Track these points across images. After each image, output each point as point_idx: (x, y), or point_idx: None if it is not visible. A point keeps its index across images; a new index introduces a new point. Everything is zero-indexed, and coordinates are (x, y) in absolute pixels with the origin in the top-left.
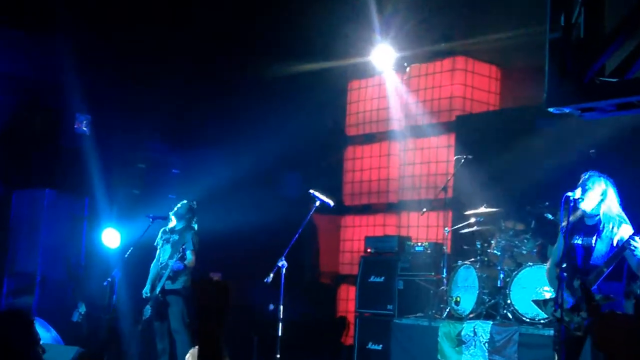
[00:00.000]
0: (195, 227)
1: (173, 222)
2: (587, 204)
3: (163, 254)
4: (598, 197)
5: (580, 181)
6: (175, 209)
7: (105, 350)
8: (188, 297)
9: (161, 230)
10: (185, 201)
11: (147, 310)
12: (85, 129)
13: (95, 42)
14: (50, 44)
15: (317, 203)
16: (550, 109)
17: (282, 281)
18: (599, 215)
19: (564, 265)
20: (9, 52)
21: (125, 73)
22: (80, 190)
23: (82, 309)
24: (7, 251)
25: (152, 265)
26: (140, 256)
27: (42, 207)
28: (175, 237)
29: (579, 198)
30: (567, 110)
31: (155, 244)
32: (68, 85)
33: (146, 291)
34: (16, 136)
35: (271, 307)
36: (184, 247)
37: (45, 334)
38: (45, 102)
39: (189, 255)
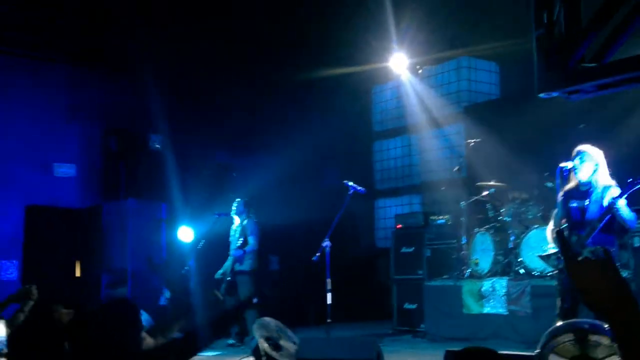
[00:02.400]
0: (254, 217)
1: (237, 220)
2: (583, 174)
3: (232, 245)
4: (592, 167)
5: (575, 153)
6: (234, 208)
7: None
8: (254, 276)
9: (232, 225)
10: (239, 199)
11: (222, 289)
12: (158, 146)
13: (166, 74)
14: (127, 79)
15: (351, 191)
16: (541, 95)
17: (328, 258)
18: (591, 182)
19: (564, 225)
20: (91, 87)
21: (190, 96)
22: (158, 197)
23: (167, 294)
24: (103, 252)
25: None
26: (210, 247)
27: (127, 214)
28: (239, 228)
29: (571, 168)
30: (555, 94)
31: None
32: (143, 110)
33: (217, 274)
34: (103, 158)
35: (315, 258)
36: (246, 235)
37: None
38: (125, 126)
39: (251, 240)
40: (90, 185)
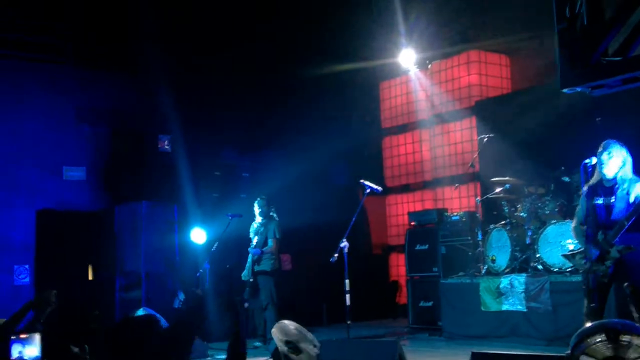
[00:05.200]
0: (276, 217)
1: (258, 219)
2: (610, 170)
3: (253, 242)
4: (619, 163)
5: (602, 148)
6: (257, 207)
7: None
8: (275, 276)
9: (252, 224)
10: (259, 198)
11: (246, 292)
12: (167, 147)
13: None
14: (135, 81)
15: (368, 190)
16: (564, 90)
17: (346, 258)
18: (616, 178)
19: (588, 224)
20: (100, 89)
21: (198, 97)
22: (169, 199)
23: (181, 296)
24: (116, 255)
25: None
26: (224, 249)
27: (140, 216)
28: (262, 229)
29: (595, 164)
30: (578, 90)
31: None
32: (151, 112)
33: (243, 275)
34: (113, 160)
35: (333, 259)
36: (267, 235)
37: None
38: (134, 128)
39: (270, 243)
40: (100, 188)
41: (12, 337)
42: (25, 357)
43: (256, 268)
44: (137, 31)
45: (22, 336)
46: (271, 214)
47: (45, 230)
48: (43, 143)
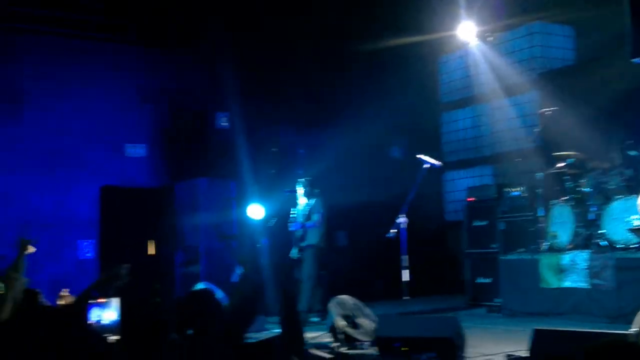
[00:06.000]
0: (320, 194)
1: (302, 200)
2: None
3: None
4: None
5: None
6: (300, 187)
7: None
8: (319, 251)
9: (297, 206)
10: (304, 179)
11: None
12: (225, 124)
13: (232, 53)
14: (194, 61)
15: (427, 165)
16: (635, 60)
17: (404, 235)
18: None
19: None
20: (160, 67)
21: (256, 74)
22: (228, 175)
23: (239, 270)
24: (176, 230)
25: None
26: (281, 225)
27: (199, 193)
28: (307, 208)
29: None
30: None
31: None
32: (210, 90)
33: (291, 253)
34: (173, 138)
35: (390, 234)
36: (311, 212)
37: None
38: (193, 105)
39: (315, 217)
40: (161, 164)
41: (91, 302)
42: (102, 320)
43: (302, 244)
44: (197, 10)
45: (101, 300)
46: (315, 193)
47: (108, 207)
48: (106, 121)
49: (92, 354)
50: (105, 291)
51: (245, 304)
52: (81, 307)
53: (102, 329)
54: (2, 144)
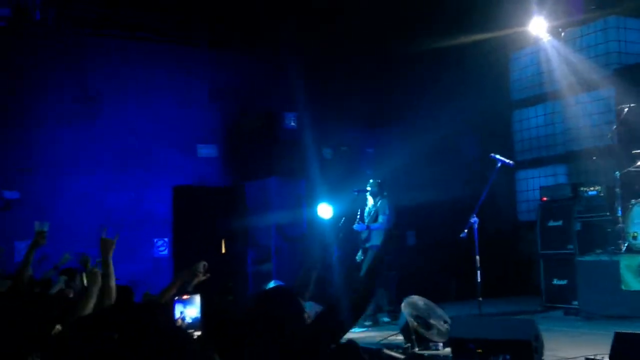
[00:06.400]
0: (387, 196)
1: (370, 200)
2: None
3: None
4: None
5: None
6: (369, 188)
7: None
8: (379, 252)
9: (366, 205)
10: (372, 180)
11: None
12: (293, 124)
13: (300, 54)
14: (262, 59)
15: (499, 164)
16: None
17: (476, 235)
18: None
19: None
20: (229, 68)
21: (324, 73)
22: (297, 174)
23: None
24: (248, 229)
25: None
26: (350, 224)
27: (270, 192)
28: (372, 208)
29: None
30: None
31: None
32: (279, 89)
33: (358, 256)
34: (243, 138)
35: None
36: (378, 213)
37: None
38: (262, 105)
39: (381, 219)
40: (231, 164)
41: (176, 298)
42: (185, 317)
43: (366, 245)
44: (265, 10)
45: (184, 297)
46: (384, 195)
47: (181, 206)
48: (178, 123)
49: (179, 349)
50: (184, 288)
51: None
52: (166, 303)
53: (186, 326)
54: (78, 145)
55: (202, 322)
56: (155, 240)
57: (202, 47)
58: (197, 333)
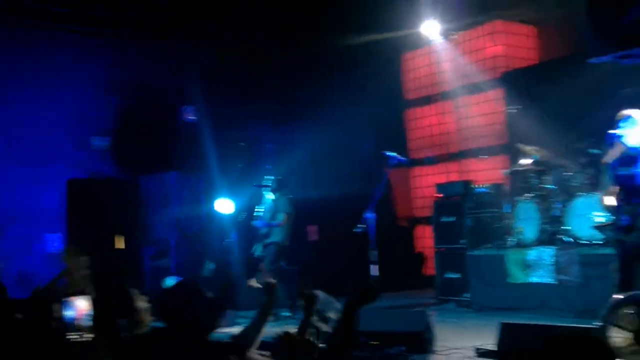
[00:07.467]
0: (287, 193)
1: (271, 196)
2: (632, 139)
3: (261, 220)
4: None
5: (622, 119)
6: (270, 184)
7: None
8: (279, 248)
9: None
10: (273, 177)
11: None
12: (193, 117)
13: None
14: (162, 54)
15: (393, 162)
16: (591, 60)
17: (373, 230)
18: (638, 147)
19: (617, 193)
20: (127, 60)
21: (224, 69)
22: (196, 169)
23: (210, 265)
24: (145, 224)
25: None
26: (250, 219)
27: (169, 186)
28: (272, 204)
29: (621, 135)
30: (605, 59)
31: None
32: (178, 83)
33: (257, 252)
34: (139, 131)
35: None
36: (276, 211)
37: None
38: (160, 98)
39: (280, 217)
40: (126, 158)
41: (64, 299)
42: (76, 316)
43: (266, 241)
44: (165, 3)
45: (72, 298)
46: (284, 192)
47: (76, 200)
48: (73, 114)
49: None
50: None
51: (218, 299)
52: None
53: (75, 325)
54: None
55: (94, 323)
56: (47, 236)
57: (100, 38)
58: (89, 335)
